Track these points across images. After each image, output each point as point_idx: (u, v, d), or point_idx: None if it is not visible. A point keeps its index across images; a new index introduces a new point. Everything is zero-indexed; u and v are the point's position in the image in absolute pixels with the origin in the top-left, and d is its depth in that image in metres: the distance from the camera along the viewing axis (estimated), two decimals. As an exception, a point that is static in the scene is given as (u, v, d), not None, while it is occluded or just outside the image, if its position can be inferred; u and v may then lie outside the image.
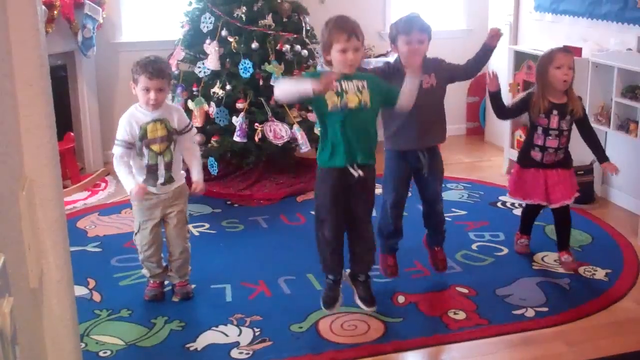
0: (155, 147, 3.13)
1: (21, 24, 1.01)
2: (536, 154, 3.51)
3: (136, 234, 3.26)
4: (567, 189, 3.50)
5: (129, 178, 3.10)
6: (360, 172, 2.92)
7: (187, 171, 3.35)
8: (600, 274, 3.53)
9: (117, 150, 3.13)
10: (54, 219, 1.10)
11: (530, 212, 3.73)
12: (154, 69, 3.06)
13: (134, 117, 3.13)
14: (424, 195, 3.41)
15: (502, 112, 3.62)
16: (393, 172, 3.34)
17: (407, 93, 2.96)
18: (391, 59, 5.70)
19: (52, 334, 1.12)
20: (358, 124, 2.89)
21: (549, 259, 3.69)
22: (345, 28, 2.86)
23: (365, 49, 5.76)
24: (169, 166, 3.17)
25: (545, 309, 3.19)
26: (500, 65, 5.65)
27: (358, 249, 3.10)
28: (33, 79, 1.03)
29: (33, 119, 1.04)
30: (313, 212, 3.19)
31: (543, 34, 5.14)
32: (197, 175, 3.30)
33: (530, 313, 3.15)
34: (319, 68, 3.13)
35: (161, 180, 3.16)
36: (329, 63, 2.95)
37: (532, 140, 3.52)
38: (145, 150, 3.12)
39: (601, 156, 3.55)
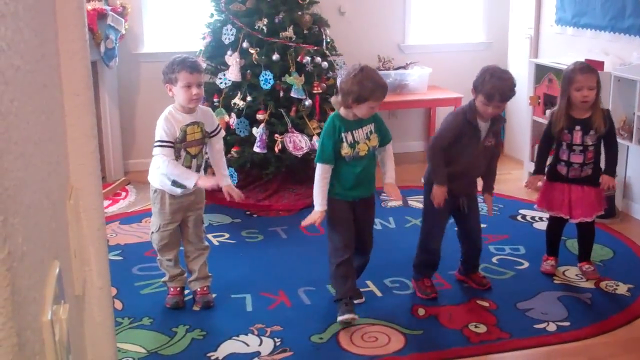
0: (192, 150, 3.17)
1: (70, 35, 1.04)
2: (562, 169, 3.52)
3: (153, 233, 3.31)
4: (589, 206, 3.50)
5: (188, 172, 3.11)
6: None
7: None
8: (622, 289, 3.51)
9: (159, 151, 3.08)
10: (96, 227, 1.12)
11: (554, 229, 3.70)
12: (192, 63, 3.10)
13: (173, 118, 3.12)
14: (467, 231, 3.53)
15: (545, 151, 3.67)
16: (440, 212, 3.40)
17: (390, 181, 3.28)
18: (410, 71, 5.74)
19: (93, 341, 1.14)
20: (366, 165, 3.19)
21: (570, 273, 3.67)
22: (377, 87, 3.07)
23: (384, 61, 5.80)
24: (199, 169, 3.22)
25: (567, 324, 3.17)
26: (520, 78, 5.65)
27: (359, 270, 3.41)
28: (80, 89, 1.05)
29: (79, 128, 1.06)
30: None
31: (564, 48, 5.14)
32: (228, 180, 3.37)
33: (551, 327, 3.14)
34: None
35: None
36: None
37: (558, 155, 3.53)
38: (182, 153, 3.15)
39: (609, 169, 3.52)
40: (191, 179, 3.08)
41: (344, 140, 3.09)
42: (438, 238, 3.46)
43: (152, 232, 3.32)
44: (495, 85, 3.17)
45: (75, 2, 1.06)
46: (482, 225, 4.31)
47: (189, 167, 3.17)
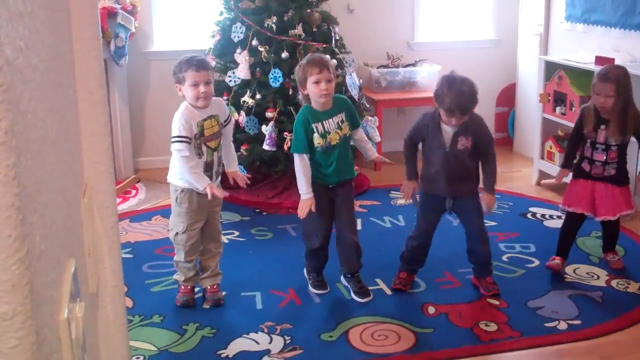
0: (212, 144, 3.18)
1: (84, 34, 1.04)
2: (586, 166, 3.55)
3: (177, 234, 3.25)
4: (613, 205, 3.49)
5: (201, 176, 3.10)
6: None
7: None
8: (633, 287, 3.49)
9: (177, 147, 3.07)
10: (110, 226, 1.12)
11: (570, 228, 3.66)
12: (198, 61, 3.11)
13: (190, 112, 3.11)
14: (467, 234, 3.47)
15: (573, 146, 3.69)
16: (423, 210, 3.48)
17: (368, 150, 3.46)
18: (419, 69, 5.73)
19: (106, 339, 1.14)
20: (341, 152, 3.29)
21: (581, 271, 3.66)
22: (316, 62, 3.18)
23: (393, 59, 5.79)
24: (220, 161, 3.25)
25: (578, 322, 3.16)
26: (530, 75, 5.64)
27: (343, 254, 3.43)
28: (94, 88, 1.06)
29: (93, 127, 1.06)
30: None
31: (574, 45, 5.12)
32: (234, 167, 3.40)
33: (562, 326, 3.13)
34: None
35: (215, 176, 3.22)
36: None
37: (583, 153, 3.56)
38: (204, 148, 3.15)
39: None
40: (202, 183, 3.09)
41: (315, 130, 3.21)
42: (418, 237, 3.47)
43: (177, 234, 3.25)
44: (454, 99, 3.11)
45: (89, 0, 1.06)
46: (492, 223, 4.34)
47: (212, 161, 3.18)
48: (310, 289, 3.49)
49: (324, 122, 3.24)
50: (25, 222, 0.59)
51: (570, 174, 3.66)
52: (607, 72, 3.43)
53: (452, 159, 3.28)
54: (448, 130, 3.27)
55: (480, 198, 3.38)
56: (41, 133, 0.70)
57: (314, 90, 3.17)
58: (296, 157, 3.24)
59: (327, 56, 3.41)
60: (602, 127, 3.45)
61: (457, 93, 3.12)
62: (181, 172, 3.12)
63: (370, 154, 3.50)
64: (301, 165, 3.23)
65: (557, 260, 3.65)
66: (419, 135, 3.37)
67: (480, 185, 3.43)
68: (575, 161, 3.66)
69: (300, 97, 3.38)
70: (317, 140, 3.22)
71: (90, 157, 1.07)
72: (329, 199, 3.35)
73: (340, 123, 3.27)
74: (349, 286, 3.46)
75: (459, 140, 3.26)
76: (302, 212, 3.25)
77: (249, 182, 3.42)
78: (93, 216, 1.07)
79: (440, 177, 3.32)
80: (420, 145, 3.43)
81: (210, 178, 3.18)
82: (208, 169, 3.18)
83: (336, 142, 3.25)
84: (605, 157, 3.48)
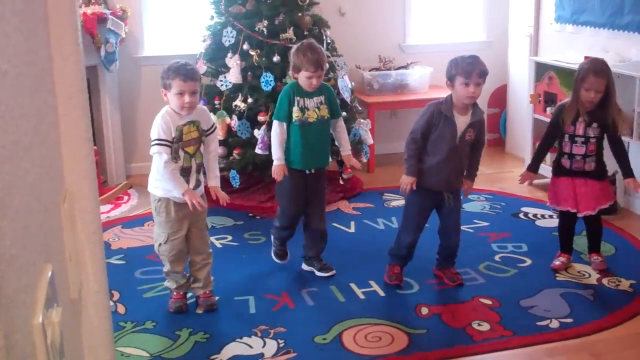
0: (190, 149, 3.15)
1: (63, 38, 1.04)
2: (565, 162, 3.55)
3: (161, 245, 3.26)
4: (594, 200, 3.52)
5: (180, 181, 3.09)
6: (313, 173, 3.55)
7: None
8: (624, 284, 3.50)
9: (156, 149, 3.08)
10: (92, 231, 1.12)
11: (565, 225, 3.70)
12: (187, 71, 3.08)
13: (170, 116, 3.11)
14: (444, 225, 3.51)
15: (546, 147, 3.74)
16: (418, 207, 3.49)
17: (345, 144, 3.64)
18: (411, 71, 5.74)
19: (90, 345, 1.14)
20: (317, 134, 3.50)
21: (573, 270, 3.67)
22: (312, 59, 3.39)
23: (385, 61, 5.80)
24: (199, 168, 3.21)
25: (570, 320, 3.17)
26: (521, 76, 5.66)
27: (310, 238, 3.68)
28: (73, 93, 1.06)
29: (73, 132, 1.06)
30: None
31: (564, 45, 5.14)
32: (217, 181, 3.31)
33: (554, 324, 3.14)
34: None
35: (192, 183, 3.17)
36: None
37: (561, 148, 3.57)
38: (181, 153, 3.13)
39: (626, 171, 3.54)
40: (180, 189, 3.08)
41: (296, 104, 3.46)
42: (410, 234, 3.49)
43: (160, 245, 3.25)
44: (471, 62, 3.28)
45: (68, 5, 1.06)
46: (484, 224, 4.35)
47: (189, 167, 3.16)
48: (272, 256, 3.79)
49: (305, 99, 3.48)
50: (-7, 227, 0.59)
51: (537, 179, 3.69)
52: (598, 67, 3.44)
53: (458, 150, 3.35)
54: (461, 120, 3.33)
55: (463, 184, 3.47)
56: (12, 138, 0.70)
57: (305, 82, 3.43)
58: (275, 123, 3.50)
59: (323, 50, 3.56)
60: (581, 119, 3.46)
61: (472, 57, 3.34)
62: (161, 175, 3.11)
63: (345, 150, 3.67)
64: (279, 132, 3.47)
65: (562, 259, 3.68)
66: (430, 127, 3.35)
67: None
68: (553, 160, 3.68)
69: (290, 74, 3.62)
70: (296, 113, 3.45)
71: (70, 162, 1.07)
72: (303, 185, 3.56)
73: (319, 104, 3.50)
74: (312, 267, 3.71)
75: (467, 131, 3.34)
76: (277, 175, 3.48)
77: (228, 201, 3.37)
78: (74, 221, 1.07)
79: (442, 169, 3.36)
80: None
81: (187, 184, 3.15)
82: (185, 174, 3.15)
83: (313, 119, 3.47)
84: (584, 150, 3.49)
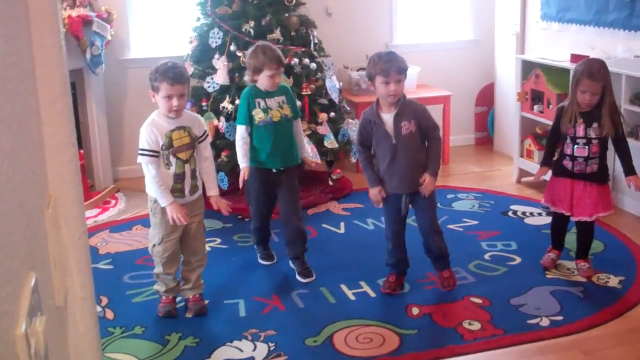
0: (182, 155, 3.13)
1: (45, 41, 1.02)
2: (567, 163, 3.51)
3: (155, 246, 3.24)
4: (590, 206, 3.47)
5: (164, 193, 3.08)
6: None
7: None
8: (613, 281, 3.51)
9: (142, 160, 3.08)
10: (77, 237, 1.10)
11: (558, 224, 3.68)
12: (174, 74, 3.05)
13: (156, 125, 3.09)
14: (419, 226, 3.48)
15: (552, 145, 3.68)
16: (386, 213, 3.50)
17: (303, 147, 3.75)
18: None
19: (77, 352, 1.12)
20: (282, 133, 3.57)
21: (562, 267, 3.68)
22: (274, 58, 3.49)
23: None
24: (194, 174, 3.18)
25: (560, 318, 3.17)
26: (508, 74, 5.67)
27: (287, 238, 3.70)
28: (57, 97, 1.04)
29: (57, 136, 1.05)
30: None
31: (550, 43, 5.15)
32: (215, 190, 3.31)
33: (545, 322, 3.14)
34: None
35: (187, 189, 3.16)
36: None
37: (563, 150, 3.53)
38: (172, 159, 3.11)
39: (628, 169, 3.51)
40: (162, 201, 3.08)
41: (257, 105, 3.52)
42: (389, 242, 3.47)
43: (154, 245, 3.24)
44: (387, 60, 3.23)
45: (49, 7, 1.04)
46: (474, 222, 4.36)
47: (182, 173, 3.14)
48: (259, 260, 3.86)
49: (266, 99, 3.55)
50: (-28, 236, 0.57)
51: (550, 171, 3.66)
52: (593, 69, 3.37)
53: (400, 148, 3.27)
54: (388, 118, 3.28)
55: (422, 178, 3.30)
56: (-8, 144, 0.68)
57: (266, 82, 3.51)
58: (238, 128, 3.58)
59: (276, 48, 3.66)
60: (580, 120, 3.43)
61: (389, 55, 3.30)
62: (147, 185, 3.12)
63: (302, 152, 3.76)
64: (241, 137, 3.55)
65: (552, 255, 3.68)
66: (367, 135, 3.35)
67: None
68: (554, 158, 3.66)
69: (246, 78, 3.69)
70: (259, 114, 3.52)
71: (54, 167, 1.05)
72: (271, 184, 3.64)
73: (281, 103, 3.58)
74: (294, 267, 3.72)
75: (402, 126, 3.26)
76: (240, 181, 3.57)
77: (231, 210, 3.40)
78: (59, 227, 1.05)
79: (394, 171, 3.31)
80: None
81: (183, 191, 3.14)
82: (179, 180, 3.13)
83: (278, 119, 3.54)
84: (587, 152, 3.44)
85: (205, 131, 3.29)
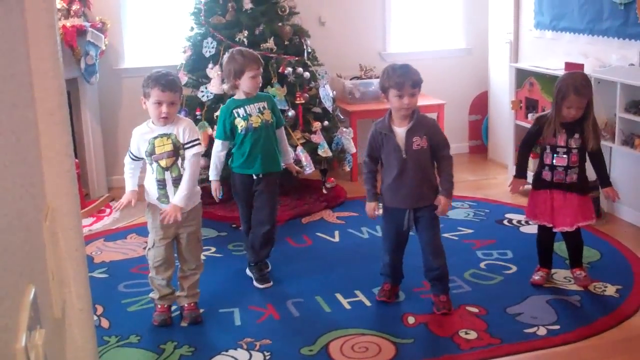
0: (162, 163, 3.13)
1: (42, 54, 1.02)
2: (547, 174, 3.48)
3: (149, 249, 3.26)
4: (572, 215, 3.44)
5: (128, 181, 3.26)
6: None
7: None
8: (610, 290, 3.51)
9: (125, 159, 3.26)
10: (74, 248, 1.09)
11: (543, 238, 3.63)
12: (167, 81, 3.06)
13: (141, 131, 3.16)
14: (421, 245, 3.40)
15: (526, 154, 3.68)
16: (386, 226, 3.47)
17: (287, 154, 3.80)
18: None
19: (74, 364, 1.11)
20: (264, 139, 3.58)
21: (559, 276, 3.67)
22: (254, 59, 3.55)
23: (366, 70, 5.81)
24: (177, 181, 3.16)
25: (557, 327, 3.16)
26: (501, 83, 5.69)
27: (251, 242, 3.73)
28: (54, 108, 1.03)
29: (54, 147, 1.04)
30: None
31: (544, 51, 5.17)
32: (177, 200, 3.11)
33: (542, 331, 3.13)
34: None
35: (171, 196, 3.15)
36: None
37: (543, 161, 3.50)
38: (154, 165, 3.14)
39: (604, 180, 3.50)
40: (126, 187, 3.26)
41: (237, 115, 3.55)
42: (387, 255, 3.44)
43: (149, 249, 3.27)
44: (401, 74, 3.22)
45: (47, 20, 1.04)
46: (469, 231, 4.35)
47: (163, 179, 3.14)
48: (255, 284, 3.73)
49: (245, 106, 3.57)
50: (-27, 250, 0.56)
51: (527, 184, 3.62)
52: (578, 84, 3.34)
53: (410, 162, 3.25)
54: (400, 132, 3.27)
55: (437, 200, 3.28)
56: (-9, 157, 0.67)
57: (249, 84, 3.53)
58: (216, 142, 3.65)
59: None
60: (562, 130, 3.40)
61: (403, 68, 3.26)
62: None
63: (286, 159, 3.82)
64: (217, 151, 3.63)
65: (542, 273, 3.62)
66: (377, 148, 3.33)
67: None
68: (531, 172, 3.62)
69: (225, 87, 3.75)
70: (240, 123, 3.55)
71: (52, 179, 1.04)
72: (252, 190, 3.66)
73: (262, 109, 3.59)
74: (251, 274, 3.76)
75: (414, 141, 3.24)
76: (215, 192, 3.67)
77: (171, 221, 3.12)
78: (57, 239, 1.04)
79: (400, 185, 3.28)
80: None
81: (167, 197, 3.16)
82: (161, 187, 3.16)
83: (258, 124, 3.56)
84: (567, 161, 3.43)
85: (196, 138, 3.18)
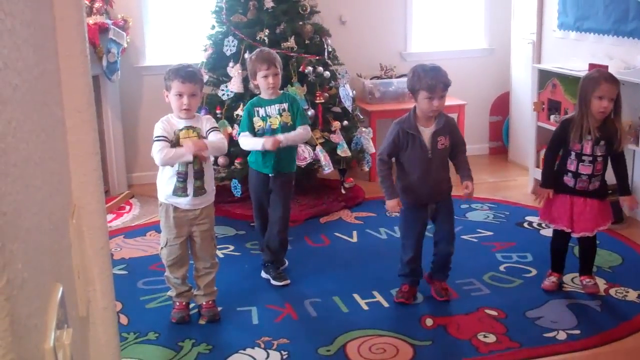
0: None
1: (70, 51, 1.01)
2: (569, 180, 3.39)
3: (162, 248, 3.27)
4: (592, 221, 3.38)
5: (177, 150, 3.07)
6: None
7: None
8: (632, 295, 3.46)
9: (157, 145, 3.07)
10: (100, 246, 1.09)
11: (558, 243, 3.57)
12: (186, 73, 3.09)
13: (167, 121, 3.15)
14: (437, 234, 3.46)
15: (553, 162, 3.52)
16: (409, 223, 3.46)
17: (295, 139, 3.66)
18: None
19: (98, 362, 1.11)
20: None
21: (579, 280, 3.63)
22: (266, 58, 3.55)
23: (386, 69, 5.79)
24: (198, 174, 3.16)
25: (577, 332, 3.13)
26: (524, 84, 5.64)
27: (266, 243, 3.74)
28: (81, 106, 1.03)
29: (81, 145, 1.04)
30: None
31: (567, 52, 5.12)
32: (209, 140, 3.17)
33: (562, 336, 3.10)
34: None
35: (190, 189, 3.15)
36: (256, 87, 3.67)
37: (565, 166, 3.40)
38: None
39: (624, 189, 3.42)
40: (183, 153, 3.06)
41: (256, 114, 3.59)
42: (409, 252, 3.44)
43: (162, 248, 3.29)
44: (434, 76, 3.20)
45: (76, 17, 1.04)
46: (488, 233, 4.33)
47: (185, 172, 3.13)
48: (272, 281, 3.72)
49: (266, 107, 3.61)
50: (5, 250, 0.56)
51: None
52: (609, 73, 3.28)
53: (435, 162, 3.30)
54: (427, 132, 3.28)
55: (464, 186, 3.33)
56: (23, 155, 0.67)
57: (262, 83, 3.58)
58: (240, 136, 3.66)
59: (274, 51, 3.72)
60: (589, 137, 3.30)
61: (434, 70, 3.23)
62: (162, 161, 3.08)
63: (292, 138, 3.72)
64: (246, 140, 3.61)
65: (553, 278, 3.56)
66: (397, 147, 3.31)
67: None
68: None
69: (251, 86, 3.80)
70: (258, 122, 3.60)
71: (78, 176, 1.04)
72: (267, 189, 3.68)
73: (281, 111, 3.61)
74: (267, 275, 3.76)
75: (439, 140, 3.28)
76: (272, 142, 3.54)
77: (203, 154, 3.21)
78: (82, 237, 1.04)
79: (423, 184, 3.31)
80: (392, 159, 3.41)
81: (185, 191, 3.14)
82: (181, 179, 3.14)
83: (276, 126, 3.59)
84: (592, 170, 3.33)
85: (215, 127, 3.24)
